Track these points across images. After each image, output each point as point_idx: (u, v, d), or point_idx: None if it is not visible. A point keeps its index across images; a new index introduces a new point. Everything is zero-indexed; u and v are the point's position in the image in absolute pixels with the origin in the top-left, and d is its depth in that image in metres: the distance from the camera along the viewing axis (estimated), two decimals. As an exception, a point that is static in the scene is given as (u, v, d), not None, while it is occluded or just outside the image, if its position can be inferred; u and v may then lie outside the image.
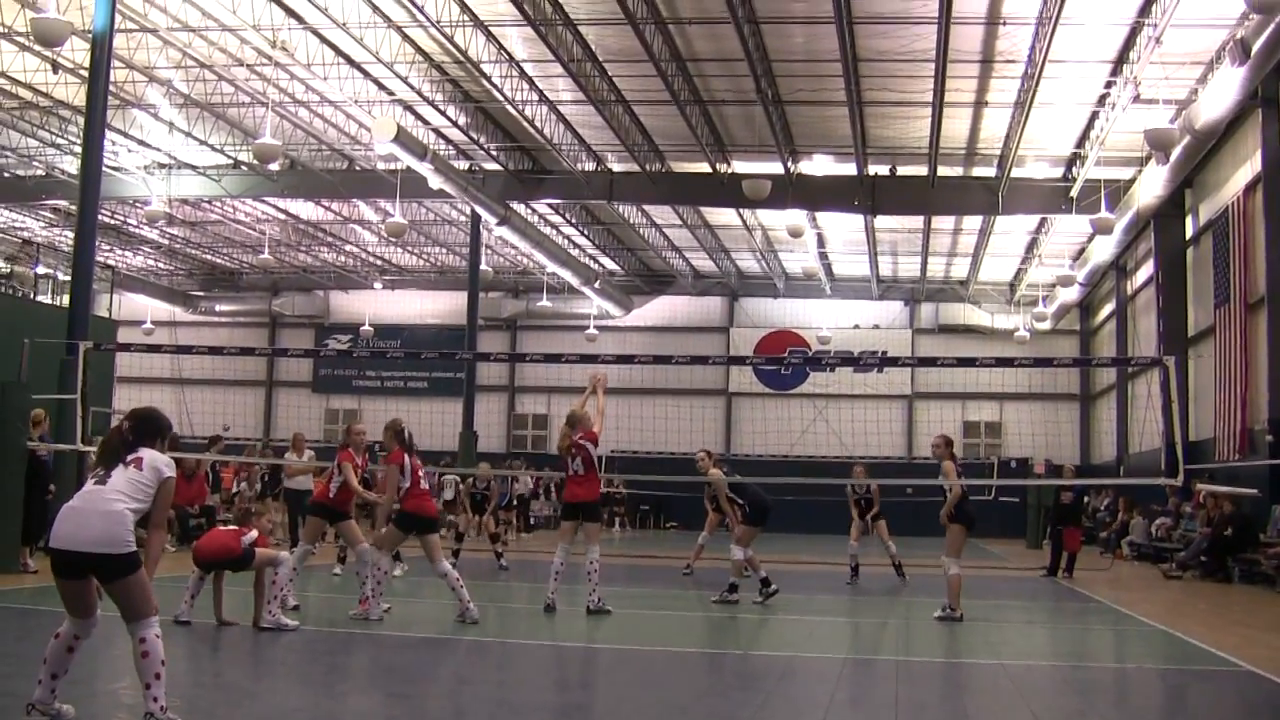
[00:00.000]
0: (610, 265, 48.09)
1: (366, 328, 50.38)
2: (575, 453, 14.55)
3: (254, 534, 12.31)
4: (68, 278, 25.11)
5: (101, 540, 6.84)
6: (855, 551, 20.81)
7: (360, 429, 14.52)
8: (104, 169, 24.72)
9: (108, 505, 6.98)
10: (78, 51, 25.95)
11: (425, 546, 13.40)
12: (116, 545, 6.87)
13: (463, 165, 33.67)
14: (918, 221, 37.94)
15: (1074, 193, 31.51)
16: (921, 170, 31.77)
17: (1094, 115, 28.00)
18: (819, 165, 32.89)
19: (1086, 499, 34.86)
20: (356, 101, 29.50)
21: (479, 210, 34.31)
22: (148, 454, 7.26)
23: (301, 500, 21.71)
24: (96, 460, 7.43)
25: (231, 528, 12.68)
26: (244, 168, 35.27)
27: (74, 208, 25.63)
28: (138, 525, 7.06)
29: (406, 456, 13.41)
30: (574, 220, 41.32)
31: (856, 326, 49.55)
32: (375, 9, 24.65)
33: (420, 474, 13.60)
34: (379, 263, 49.29)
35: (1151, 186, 28.25)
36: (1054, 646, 14.05)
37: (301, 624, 12.12)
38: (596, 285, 44.93)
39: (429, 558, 13.33)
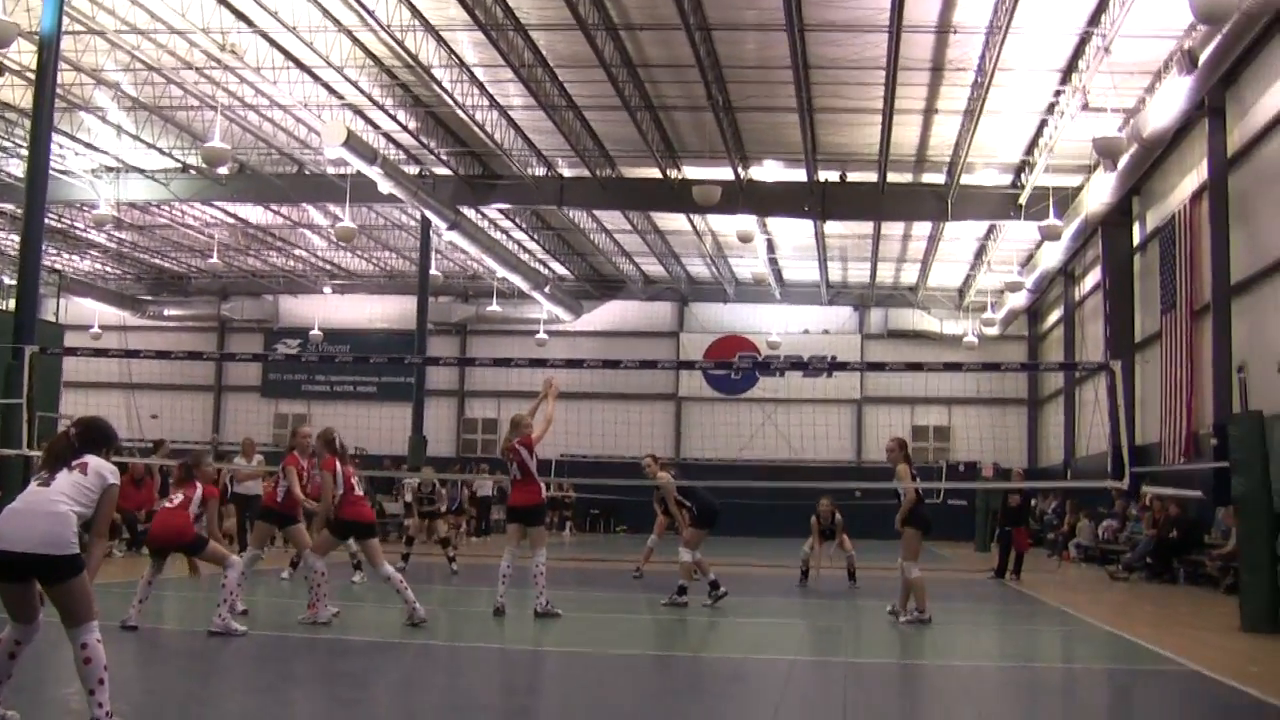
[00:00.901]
0: (560, 270, 48.09)
1: (315, 332, 50.13)
2: (511, 458, 14.57)
3: (198, 494, 12.23)
4: (13, 282, 24.85)
5: (45, 541, 6.78)
6: (806, 555, 20.91)
7: (306, 432, 14.44)
8: (51, 172, 24.54)
9: (52, 507, 6.93)
10: (24, 53, 25.76)
11: (366, 552, 13.38)
12: (61, 546, 6.81)
13: (413, 170, 33.55)
14: (867, 227, 38.13)
15: (1023, 200, 31.74)
16: (871, 177, 31.94)
17: (1043, 123, 28.23)
18: (769, 171, 33.01)
19: (1035, 502, 35.12)
20: (306, 105, 29.39)
21: (429, 215, 34.21)
22: (93, 460, 7.24)
23: (251, 505, 21.61)
24: (41, 464, 7.40)
25: (177, 500, 12.47)
26: (192, 171, 35.11)
27: (20, 211, 25.41)
28: (81, 530, 7.02)
29: (339, 464, 13.34)
30: (524, 225, 41.31)
31: (806, 332, 49.75)
32: (325, 13, 24.54)
33: (353, 480, 13.53)
34: (328, 267, 49.09)
35: (1099, 194, 28.49)
36: (1001, 648, 14.14)
37: (250, 629, 12.04)
38: (546, 290, 44.91)
39: (371, 562, 13.28)
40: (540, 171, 33.93)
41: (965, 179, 31.41)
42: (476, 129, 29.56)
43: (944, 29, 23.59)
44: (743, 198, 32.57)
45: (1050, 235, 31.07)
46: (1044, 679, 11.54)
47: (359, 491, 13.67)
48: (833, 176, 32.74)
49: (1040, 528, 34.43)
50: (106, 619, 7.16)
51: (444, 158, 33.39)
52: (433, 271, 40.67)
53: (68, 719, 7.72)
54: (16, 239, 27.70)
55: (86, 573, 7.00)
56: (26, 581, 6.90)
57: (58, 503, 6.95)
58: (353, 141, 27.07)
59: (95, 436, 7.43)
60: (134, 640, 11.27)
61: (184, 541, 12.18)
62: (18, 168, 33.34)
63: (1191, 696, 10.32)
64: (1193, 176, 26.61)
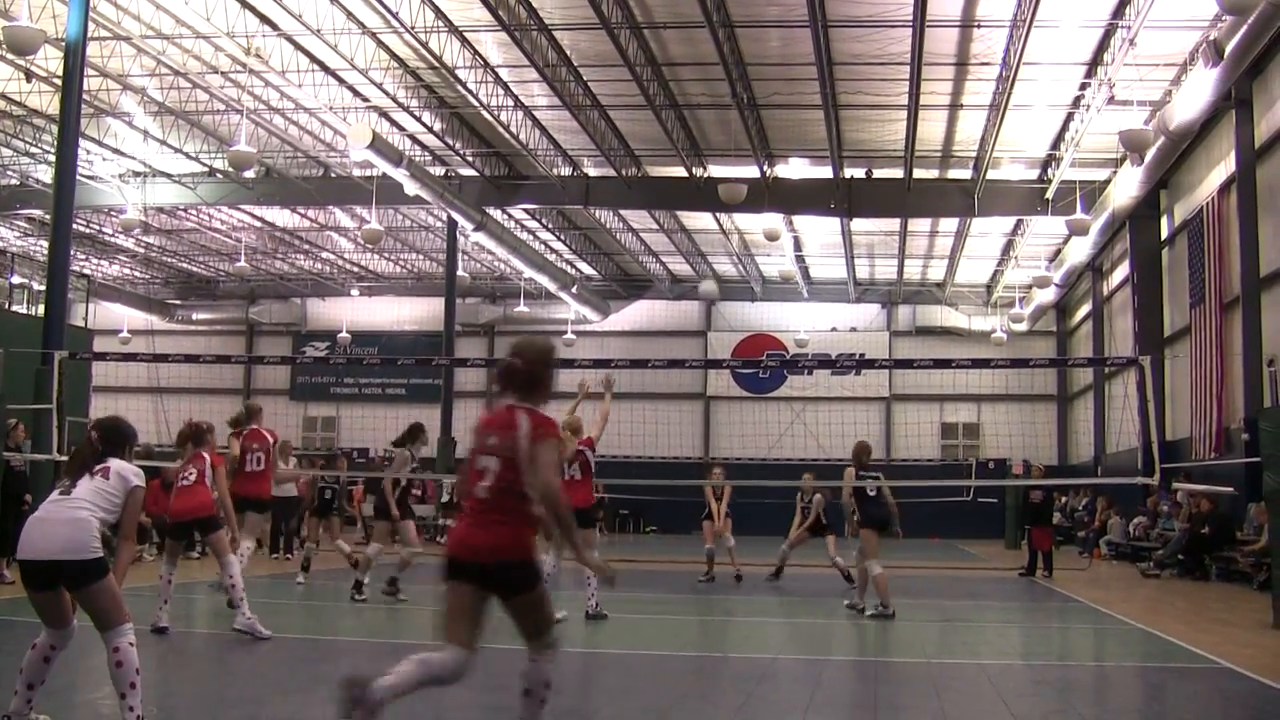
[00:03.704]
0: (587, 270, 48.11)
1: (344, 334, 50.29)
2: (575, 459, 14.57)
3: (207, 465, 12.20)
4: (43, 287, 25.00)
5: (67, 548, 6.79)
6: (785, 553, 20.86)
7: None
8: (78, 178, 24.60)
9: (72, 513, 6.93)
10: (51, 60, 25.88)
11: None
12: (82, 551, 6.81)
13: (438, 171, 33.62)
14: (894, 224, 38.05)
15: (1050, 194, 31.64)
16: (897, 173, 31.86)
17: (1069, 117, 28.12)
18: (795, 169, 32.96)
19: (1065, 499, 35.00)
20: (331, 108, 29.45)
21: (455, 216, 34.27)
22: (115, 464, 7.23)
23: (288, 507, 21.70)
24: (64, 472, 7.39)
25: (192, 476, 12.30)
26: (219, 175, 35.21)
27: (48, 217, 25.56)
28: (109, 534, 7.03)
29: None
30: (550, 225, 41.31)
31: (834, 329, 49.66)
32: (349, 15, 24.59)
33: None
34: (355, 269, 49.22)
35: (1127, 188, 28.35)
36: (1033, 646, 14.06)
37: (275, 633, 11.91)
38: (574, 290, 44.90)
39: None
40: (566, 171, 33.93)
41: (991, 174, 31.31)
42: (501, 129, 29.55)
43: (968, 23, 23.52)
44: (769, 195, 32.53)
45: (1078, 230, 30.96)
46: (1076, 677, 11.48)
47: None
48: (858, 173, 32.68)
49: (1071, 525, 34.29)
50: (136, 624, 7.15)
51: (469, 159, 33.43)
52: (460, 273, 40.72)
53: (98, 723, 7.74)
54: (45, 244, 27.85)
55: (116, 574, 7.02)
56: (54, 589, 6.92)
57: (78, 509, 6.95)
58: (378, 144, 27.12)
59: (115, 438, 7.42)
60: (162, 643, 11.28)
61: (202, 516, 12.10)
62: (46, 173, 33.53)
63: (1224, 694, 10.25)
64: (1220, 169, 26.50)
